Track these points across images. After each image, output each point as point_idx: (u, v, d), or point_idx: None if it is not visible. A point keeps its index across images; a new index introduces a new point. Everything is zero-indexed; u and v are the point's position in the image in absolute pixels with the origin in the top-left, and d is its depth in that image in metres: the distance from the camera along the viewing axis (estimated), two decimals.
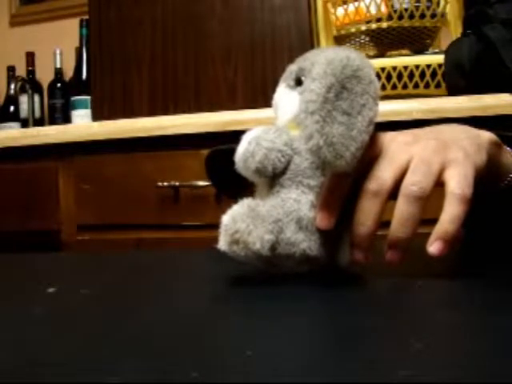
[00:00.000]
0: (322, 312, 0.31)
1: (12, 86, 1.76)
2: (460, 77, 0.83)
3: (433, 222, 0.35)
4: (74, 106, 1.59)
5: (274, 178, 0.36)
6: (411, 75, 1.12)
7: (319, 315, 0.30)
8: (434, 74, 1.12)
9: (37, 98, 1.78)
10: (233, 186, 0.44)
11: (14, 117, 1.76)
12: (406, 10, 1.12)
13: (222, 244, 0.34)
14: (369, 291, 0.35)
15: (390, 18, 1.13)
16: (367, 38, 1.21)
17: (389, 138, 0.38)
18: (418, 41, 1.18)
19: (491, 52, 0.77)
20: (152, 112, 1.33)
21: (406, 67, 1.12)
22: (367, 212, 0.35)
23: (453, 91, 0.94)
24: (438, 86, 1.12)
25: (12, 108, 1.78)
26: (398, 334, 0.25)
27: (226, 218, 0.34)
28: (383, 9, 1.14)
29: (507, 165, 0.43)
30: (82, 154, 1.23)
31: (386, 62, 1.14)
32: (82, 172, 1.24)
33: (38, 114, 1.77)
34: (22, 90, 1.74)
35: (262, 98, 1.28)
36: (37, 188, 1.28)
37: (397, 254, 0.36)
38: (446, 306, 0.31)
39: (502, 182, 0.43)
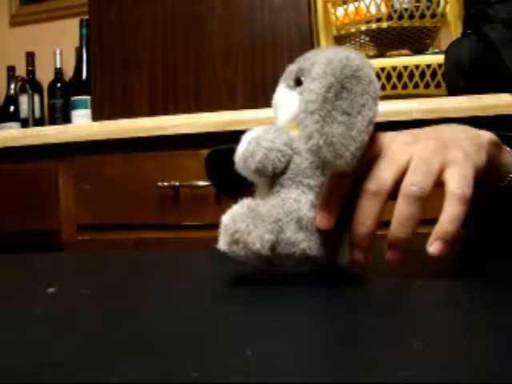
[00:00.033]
0: (322, 312, 0.31)
1: (12, 86, 1.76)
2: (460, 77, 0.83)
3: (433, 222, 0.35)
4: (74, 106, 1.59)
5: (273, 177, 0.36)
6: (411, 75, 1.12)
7: (319, 315, 0.30)
8: (434, 74, 1.12)
9: (37, 98, 1.78)
10: (233, 186, 0.44)
11: (14, 117, 1.76)
12: (406, 10, 1.12)
13: (222, 244, 0.34)
14: (369, 291, 0.35)
15: (389, 18, 1.13)
16: (367, 38, 1.21)
17: (388, 138, 0.38)
18: (418, 41, 1.18)
19: (491, 52, 0.77)
20: (152, 112, 1.33)
21: (405, 67, 1.12)
22: (367, 212, 0.35)
23: (453, 91, 0.94)
24: (438, 85, 1.12)
25: (12, 108, 1.78)
26: (398, 334, 0.25)
27: (225, 218, 0.34)
28: (383, 9, 1.14)
29: (507, 165, 0.43)
30: (82, 153, 1.23)
31: (386, 62, 1.14)
32: (82, 172, 1.24)
33: (38, 114, 1.77)
34: (22, 90, 1.74)
35: (262, 98, 1.28)
36: (37, 188, 1.28)
37: (397, 254, 0.36)
38: (446, 306, 0.31)
39: (502, 182, 0.43)
